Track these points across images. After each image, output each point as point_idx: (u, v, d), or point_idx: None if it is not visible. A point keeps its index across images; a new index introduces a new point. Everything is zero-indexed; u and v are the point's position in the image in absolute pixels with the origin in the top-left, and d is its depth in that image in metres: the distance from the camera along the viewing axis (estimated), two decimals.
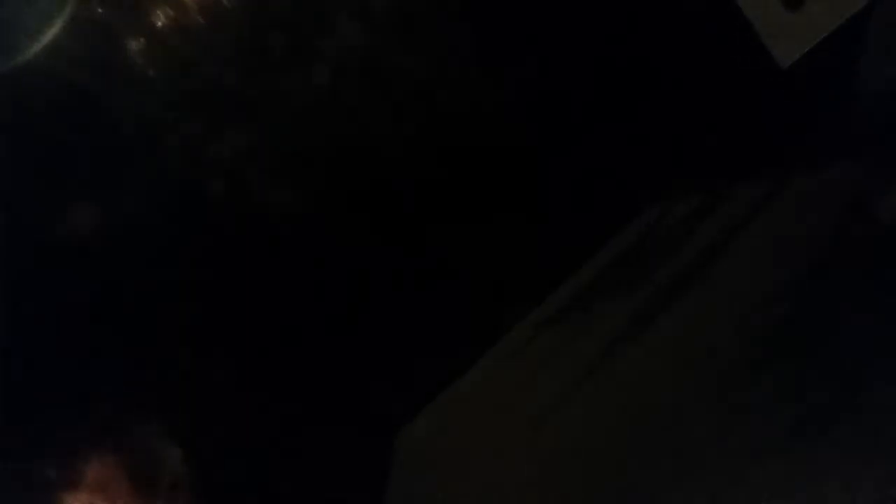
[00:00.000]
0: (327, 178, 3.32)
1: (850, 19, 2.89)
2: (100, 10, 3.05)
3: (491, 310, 3.20)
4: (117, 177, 3.24)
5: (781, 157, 2.90)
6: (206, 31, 3.08)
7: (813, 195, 2.60)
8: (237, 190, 3.27)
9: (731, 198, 2.85)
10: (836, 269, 2.25)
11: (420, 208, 3.29)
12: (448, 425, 3.03)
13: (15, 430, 2.87)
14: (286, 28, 3.20)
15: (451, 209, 3.26)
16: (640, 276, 2.87)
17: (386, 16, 3.30)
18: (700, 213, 2.89)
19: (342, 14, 3.31)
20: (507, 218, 3.24)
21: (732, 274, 2.60)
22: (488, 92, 3.31)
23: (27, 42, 3.08)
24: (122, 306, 3.22)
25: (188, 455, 3.02)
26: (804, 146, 2.84)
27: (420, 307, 3.27)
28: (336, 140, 3.33)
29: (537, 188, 3.23)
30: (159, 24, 3.04)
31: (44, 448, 2.91)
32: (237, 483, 3.11)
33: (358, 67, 3.33)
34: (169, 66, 3.13)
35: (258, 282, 3.23)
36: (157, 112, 3.17)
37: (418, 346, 3.24)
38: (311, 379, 3.24)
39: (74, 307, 3.16)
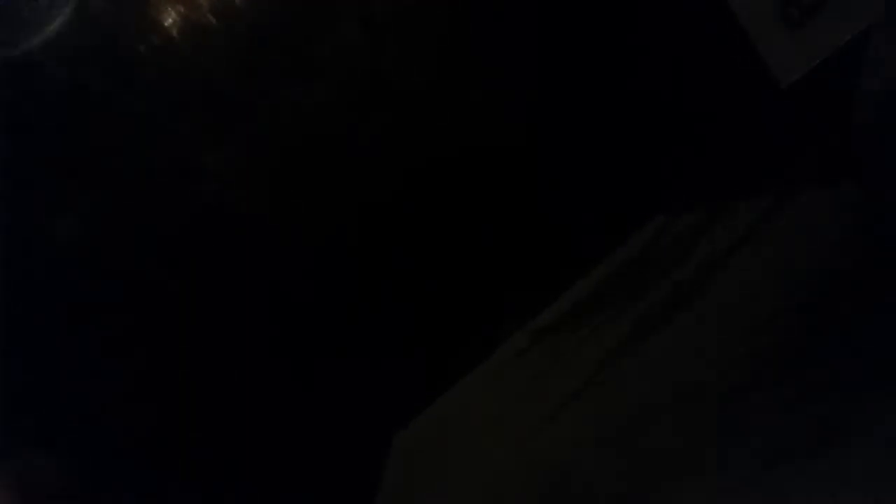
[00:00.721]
0: (328, 182, 3.32)
1: (851, 39, 2.93)
2: (108, 5, 3.03)
3: (491, 317, 3.21)
4: (112, 176, 3.21)
5: (784, 171, 2.93)
6: (217, 32, 3.07)
7: (816, 210, 2.63)
8: (233, 194, 3.25)
9: (733, 211, 2.88)
10: (839, 286, 2.27)
11: (421, 212, 3.30)
12: (446, 430, 3.02)
13: None
14: (293, 33, 3.20)
15: (452, 214, 3.27)
16: (642, 287, 2.88)
17: (388, 21, 3.30)
18: (703, 225, 2.91)
19: (346, 18, 3.31)
20: (509, 225, 3.25)
21: (734, 288, 2.62)
22: (490, 101, 3.32)
23: (30, 33, 3.05)
24: (108, 306, 3.20)
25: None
26: (807, 160, 2.88)
27: (419, 312, 3.28)
28: (336, 143, 3.33)
29: (539, 198, 3.25)
30: (168, 22, 3.02)
31: None
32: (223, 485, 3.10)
33: (359, 71, 3.34)
34: (174, 67, 3.11)
35: (256, 284, 3.22)
36: (158, 112, 3.15)
37: (417, 350, 3.24)
38: (310, 380, 3.23)
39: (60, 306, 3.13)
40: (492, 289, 3.23)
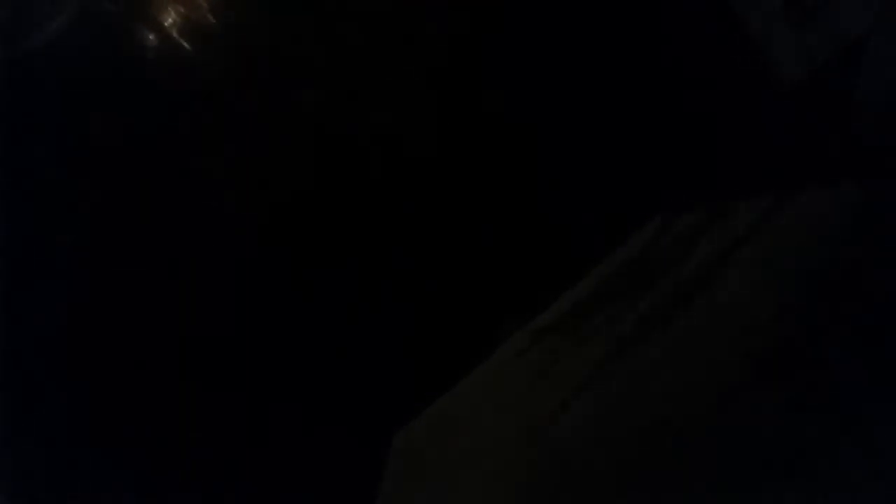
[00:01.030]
0: (328, 182, 3.32)
1: (851, 39, 2.93)
2: (109, 5, 3.03)
3: (492, 316, 3.21)
4: (112, 176, 3.21)
5: (785, 171, 2.93)
6: (217, 32, 3.07)
7: (816, 210, 2.63)
8: (233, 194, 3.26)
9: (734, 211, 2.88)
10: (839, 286, 2.27)
11: (421, 212, 3.30)
12: (446, 430, 3.02)
13: None
14: (292, 33, 3.20)
15: (452, 214, 3.27)
16: (642, 287, 2.88)
17: (387, 21, 3.30)
18: (704, 225, 2.91)
19: (345, 18, 3.31)
20: (509, 225, 3.25)
21: (734, 288, 2.62)
22: (491, 102, 3.32)
23: (31, 32, 3.05)
24: (107, 306, 3.19)
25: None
26: (807, 160, 2.87)
27: (419, 312, 3.28)
28: (336, 143, 3.33)
29: (539, 198, 3.25)
30: (168, 22, 3.02)
31: None
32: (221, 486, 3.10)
33: (359, 71, 3.33)
34: (174, 67, 3.11)
35: (256, 284, 3.22)
36: (158, 112, 3.16)
37: (417, 350, 3.24)
38: (311, 380, 3.23)
39: (56, 307, 3.13)
40: (492, 289, 3.23)
